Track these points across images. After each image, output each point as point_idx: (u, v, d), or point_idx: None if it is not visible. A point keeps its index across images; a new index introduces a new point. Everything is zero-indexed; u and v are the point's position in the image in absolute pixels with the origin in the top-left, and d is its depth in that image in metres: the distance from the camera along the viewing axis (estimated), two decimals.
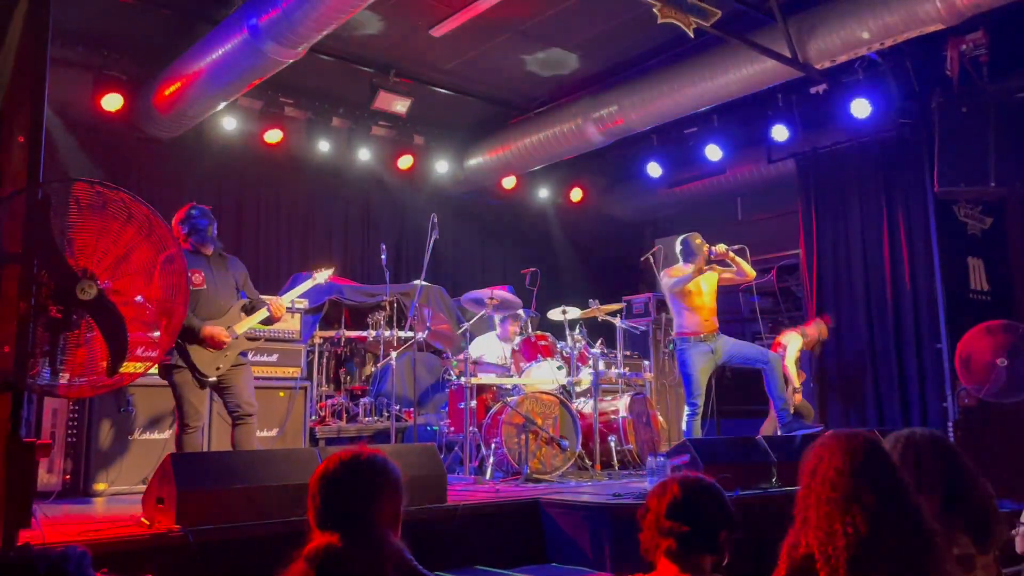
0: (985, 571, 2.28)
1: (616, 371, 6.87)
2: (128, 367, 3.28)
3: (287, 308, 6.27)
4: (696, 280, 6.13)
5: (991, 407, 6.57)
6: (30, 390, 3.01)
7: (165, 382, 4.60)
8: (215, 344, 4.52)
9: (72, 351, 2.97)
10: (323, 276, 5.21)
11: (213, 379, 4.56)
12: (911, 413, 7.42)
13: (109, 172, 7.28)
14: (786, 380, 7.37)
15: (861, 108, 7.33)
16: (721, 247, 6.15)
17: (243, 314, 4.78)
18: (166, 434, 5.42)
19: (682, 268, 6.16)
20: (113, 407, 5.40)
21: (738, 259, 6.21)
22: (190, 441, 4.51)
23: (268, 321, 4.84)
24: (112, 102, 7.18)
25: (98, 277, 2.97)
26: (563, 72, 8.11)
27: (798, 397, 7.64)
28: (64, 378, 3.00)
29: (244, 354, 4.78)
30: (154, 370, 4.53)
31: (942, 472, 2.29)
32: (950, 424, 6.78)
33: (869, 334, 7.82)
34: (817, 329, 7.69)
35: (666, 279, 6.18)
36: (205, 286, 4.60)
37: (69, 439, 5.33)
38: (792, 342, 7.52)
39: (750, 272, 6.28)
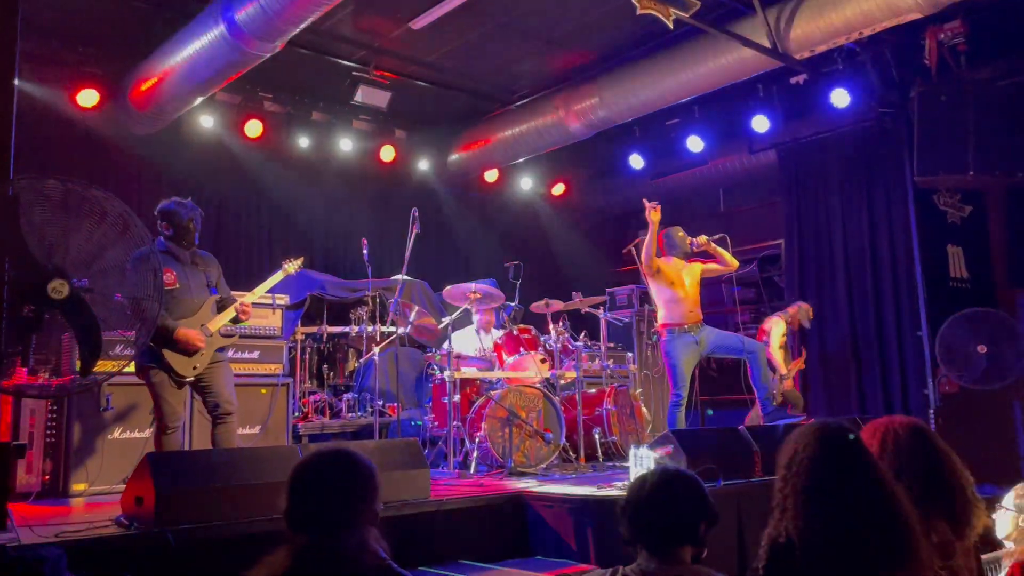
0: (964, 557, 2.28)
1: (600, 363, 6.86)
2: (104, 366, 3.25)
3: (268, 304, 6.24)
4: (679, 272, 6.14)
5: (972, 393, 6.64)
6: (2, 391, 2.97)
7: (142, 380, 4.54)
8: (188, 347, 4.47)
9: (45, 351, 2.93)
10: (293, 267, 5.14)
11: (191, 378, 4.52)
12: (893, 400, 7.48)
13: (85, 169, 7.18)
14: (772, 368, 7.42)
15: (841, 98, 7.35)
16: (702, 238, 6.17)
17: (217, 309, 4.73)
18: (145, 433, 5.36)
19: (665, 261, 6.17)
20: (92, 407, 5.34)
21: (720, 249, 6.23)
22: (170, 442, 4.46)
23: (236, 320, 4.79)
24: (88, 98, 7.09)
25: (71, 275, 2.92)
26: (544, 64, 8.08)
27: (788, 383, 7.68)
28: (38, 378, 2.96)
29: (222, 350, 4.72)
30: (130, 367, 4.46)
31: (921, 460, 2.30)
32: (931, 411, 6.84)
33: (851, 323, 7.87)
34: (798, 308, 7.74)
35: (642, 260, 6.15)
36: (177, 285, 4.52)
37: (48, 439, 5.27)
38: (775, 327, 7.55)
39: (733, 262, 6.29)
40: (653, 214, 5.87)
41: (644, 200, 5.96)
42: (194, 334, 4.48)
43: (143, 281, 3.17)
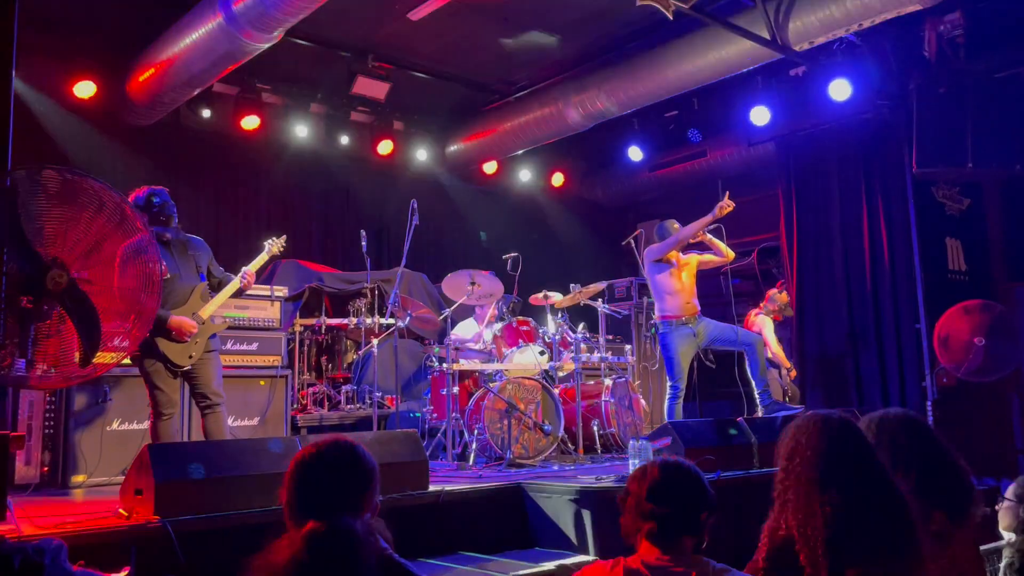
0: (963, 547, 2.29)
1: (598, 355, 6.86)
2: (102, 357, 3.24)
3: (267, 296, 6.24)
4: (676, 263, 6.15)
5: (969, 386, 6.65)
6: (1, 382, 2.96)
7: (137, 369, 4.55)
8: (182, 335, 4.48)
9: (44, 342, 2.92)
10: (277, 247, 5.06)
11: (187, 367, 4.53)
12: (891, 393, 7.48)
13: (83, 160, 7.17)
14: (776, 366, 7.50)
15: (840, 90, 7.32)
16: None
17: (210, 294, 4.72)
18: (144, 424, 5.35)
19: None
20: (90, 398, 5.34)
21: (715, 240, 6.26)
22: (165, 428, 4.47)
23: (239, 292, 4.78)
24: (85, 89, 7.06)
25: (69, 267, 2.92)
26: (543, 56, 8.06)
27: (793, 373, 7.76)
28: (36, 369, 2.95)
29: (215, 337, 4.73)
30: (128, 359, 4.47)
31: (916, 451, 2.31)
32: (929, 403, 6.85)
33: (849, 315, 7.86)
34: (773, 299, 7.81)
35: (648, 252, 6.20)
36: (169, 274, 4.53)
37: (47, 431, 5.27)
38: (765, 328, 7.62)
39: (728, 253, 6.33)
40: (721, 212, 5.95)
41: (727, 193, 5.97)
42: (187, 322, 4.48)
43: (141, 272, 3.16)
